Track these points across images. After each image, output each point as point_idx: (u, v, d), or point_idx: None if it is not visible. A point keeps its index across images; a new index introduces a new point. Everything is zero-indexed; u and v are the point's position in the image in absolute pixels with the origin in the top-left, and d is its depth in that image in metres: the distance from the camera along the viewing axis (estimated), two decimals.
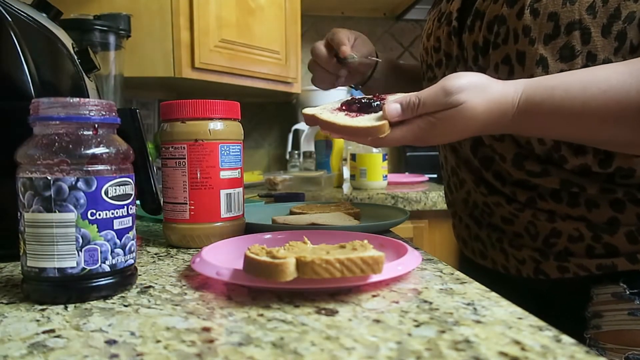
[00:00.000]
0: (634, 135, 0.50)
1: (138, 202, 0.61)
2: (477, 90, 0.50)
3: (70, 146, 0.40)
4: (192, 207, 0.60)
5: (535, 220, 0.63)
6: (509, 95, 0.51)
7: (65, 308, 0.39)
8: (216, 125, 0.60)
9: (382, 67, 0.86)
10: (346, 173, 1.70)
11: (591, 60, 0.54)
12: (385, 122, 0.52)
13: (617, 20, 0.53)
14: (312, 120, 0.57)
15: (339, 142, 1.64)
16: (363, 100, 0.57)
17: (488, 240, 0.70)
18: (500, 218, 0.68)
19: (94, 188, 0.40)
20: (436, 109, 0.50)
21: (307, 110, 0.58)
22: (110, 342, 0.32)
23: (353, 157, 1.56)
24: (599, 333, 0.60)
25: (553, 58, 0.55)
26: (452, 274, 0.47)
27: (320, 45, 0.78)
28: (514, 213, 0.65)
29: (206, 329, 0.34)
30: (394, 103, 0.52)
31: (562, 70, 0.55)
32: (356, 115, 0.56)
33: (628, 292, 0.58)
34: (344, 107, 0.58)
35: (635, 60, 0.50)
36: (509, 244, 0.67)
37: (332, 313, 0.37)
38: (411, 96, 0.51)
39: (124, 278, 0.43)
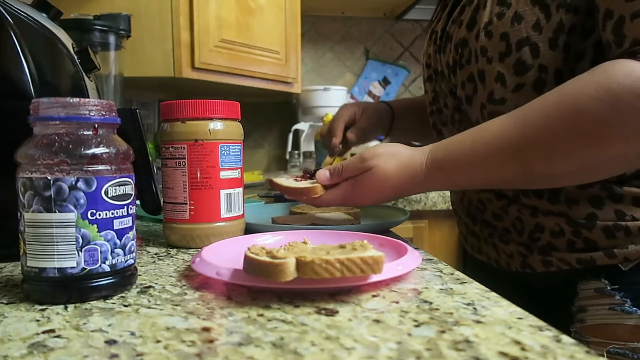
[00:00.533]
0: (523, 173, 0.55)
1: (138, 202, 0.61)
2: (388, 156, 0.60)
3: (70, 146, 0.40)
4: (192, 207, 0.60)
5: (521, 215, 0.66)
6: (417, 158, 0.60)
7: (65, 308, 0.39)
8: (216, 125, 0.60)
9: (399, 115, 0.97)
10: None
11: (543, 72, 0.59)
12: (317, 185, 0.64)
13: (562, 33, 0.57)
14: (272, 184, 0.71)
15: None
16: (313, 170, 0.71)
17: (481, 235, 0.74)
18: (491, 214, 0.70)
19: (94, 188, 0.40)
20: (355, 172, 0.62)
21: (271, 178, 0.73)
22: (110, 342, 0.32)
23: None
24: (584, 327, 0.63)
25: (509, 73, 0.61)
26: (452, 274, 0.47)
27: (326, 128, 0.97)
28: (504, 209, 0.68)
29: (206, 329, 0.34)
30: (324, 169, 0.64)
31: (517, 84, 0.61)
32: (303, 180, 0.70)
33: (609, 288, 0.61)
34: (301, 175, 0.73)
35: (523, 106, 0.55)
36: (499, 239, 0.70)
37: (332, 313, 0.37)
38: (338, 164, 0.64)
39: (124, 278, 0.43)
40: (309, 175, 0.70)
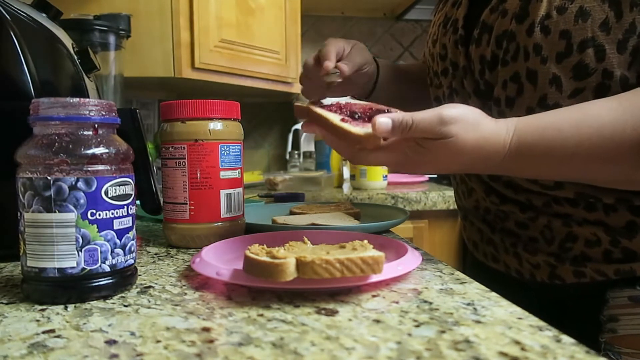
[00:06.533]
0: (631, 172, 0.49)
1: (138, 202, 0.61)
2: (469, 125, 0.48)
3: (70, 146, 0.40)
4: (192, 207, 0.60)
5: (550, 224, 0.62)
6: (500, 135, 0.49)
7: (65, 308, 0.39)
8: (216, 125, 0.60)
9: (384, 75, 0.83)
10: (346, 173, 1.70)
11: (607, 77, 0.53)
12: (374, 134, 0.47)
13: (633, 35, 0.51)
14: (303, 111, 0.53)
15: None
16: (360, 111, 0.53)
17: (501, 244, 0.69)
18: (514, 222, 0.66)
19: (93, 188, 0.40)
20: (426, 135, 0.48)
21: (300, 103, 0.56)
22: (110, 342, 0.32)
23: None
24: (615, 337, 0.59)
25: (566, 77, 0.54)
26: (452, 274, 0.47)
27: (310, 59, 0.75)
28: (530, 218, 0.64)
29: (206, 329, 0.34)
30: (385, 117, 0.47)
31: (576, 89, 0.54)
32: (350, 122, 0.51)
33: None
34: (338, 111, 0.54)
35: (625, 94, 0.49)
36: (524, 249, 0.65)
37: (332, 313, 0.37)
38: (405, 115, 0.47)
39: (124, 278, 0.43)
40: (355, 115, 0.52)
